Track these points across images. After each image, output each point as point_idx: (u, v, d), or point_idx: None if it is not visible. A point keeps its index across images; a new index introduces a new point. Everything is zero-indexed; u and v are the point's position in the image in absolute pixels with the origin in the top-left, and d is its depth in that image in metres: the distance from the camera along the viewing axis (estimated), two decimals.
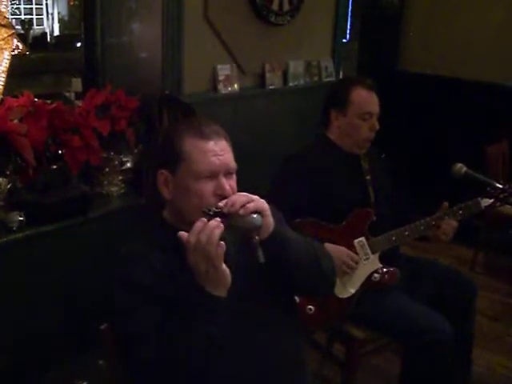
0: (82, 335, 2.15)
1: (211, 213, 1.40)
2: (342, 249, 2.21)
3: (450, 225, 2.29)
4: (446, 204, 2.32)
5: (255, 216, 1.38)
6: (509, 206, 2.44)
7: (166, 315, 1.40)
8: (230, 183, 1.49)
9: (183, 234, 1.36)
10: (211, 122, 1.58)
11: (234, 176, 1.53)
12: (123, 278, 1.48)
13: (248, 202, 1.39)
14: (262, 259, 1.35)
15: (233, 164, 1.52)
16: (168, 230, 1.50)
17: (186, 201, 1.50)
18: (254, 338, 1.50)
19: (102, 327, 1.60)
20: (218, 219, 1.36)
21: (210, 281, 1.35)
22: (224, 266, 1.35)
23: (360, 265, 2.24)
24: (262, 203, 1.42)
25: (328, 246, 2.17)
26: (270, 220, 1.43)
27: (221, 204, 1.39)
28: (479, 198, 2.30)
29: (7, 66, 2.37)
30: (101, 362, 1.65)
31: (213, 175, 1.47)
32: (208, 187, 1.47)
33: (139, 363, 1.43)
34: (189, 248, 1.34)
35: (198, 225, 1.34)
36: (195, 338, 1.36)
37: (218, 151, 1.49)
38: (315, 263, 1.57)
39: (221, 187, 1.47)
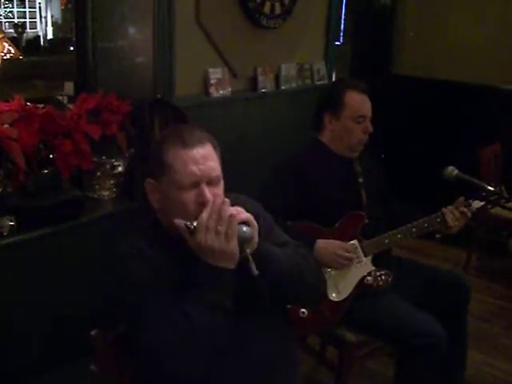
0: (74, 340, 2.14)
1: (192, 227, 1.40)
2: (335, 242, 2.20)
3: (456, 212, 2.27)
4: (461, 198, 2.31)
5: (245, 228, 1.38)
6: (501, 208, 2.43)
7: (178, 302, 1.41)
8: (213, 191, 1.47)
9: (179, 221, 1.42)
10: (196, 128, 1.55)
11: (220, 184, 1.51)
12: (126, 277, 1.49)
13: (238, 214, 1.40)
14: (255, 271, 1.35)
15: (216, 172, 1.49)
16: (162, 230, 1.53)
17: (171, 209, 1.49)
18: (244, 343, 1.51)
19: (93, 333, 1.59)
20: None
21: (224, 258, 1.38)
22: (236, 241, 1.38)
23: (353, 267, 2.24)
24: (252, 218, 1.42)
25: (320, 241, 2.17)
26: (257, 238, 1.43)
27: (205, 214, 1.39)
28: (470, 201, 2.31)
29: None
30: (92, 367, 1.64)
31: (195, 184, 1.46)
32: (190, 196, 1.46)
33: (157, 360, 1.42)
34: (200, 231, 1.37)
35: (204, 216, 1.38)
36: (209, 315, 1.39)
37: (200, 160, 1.46)
38: (298, 278, 1.55)
39: (201, 195, 1.45)
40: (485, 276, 3.90)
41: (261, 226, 1.60)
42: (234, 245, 1.37)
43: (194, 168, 1.46)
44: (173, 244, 1.45)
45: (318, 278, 1.66)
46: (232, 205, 1.57)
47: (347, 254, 2.20)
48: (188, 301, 1.40)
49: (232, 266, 1.39)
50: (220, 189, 1.51)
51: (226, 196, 1.62)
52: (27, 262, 2.29)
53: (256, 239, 1.43)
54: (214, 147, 1.53)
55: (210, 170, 1.48)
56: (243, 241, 1.38)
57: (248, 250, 1.38)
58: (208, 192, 1.45)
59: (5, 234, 2.21)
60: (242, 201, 1.66)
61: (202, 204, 1.43)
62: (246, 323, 1.51)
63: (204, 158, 1.47)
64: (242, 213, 1.41)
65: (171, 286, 1.44)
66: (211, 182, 1.48)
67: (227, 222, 1.36)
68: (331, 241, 2.20)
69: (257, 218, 1.61)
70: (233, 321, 1.43)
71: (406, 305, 2.23)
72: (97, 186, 2.66)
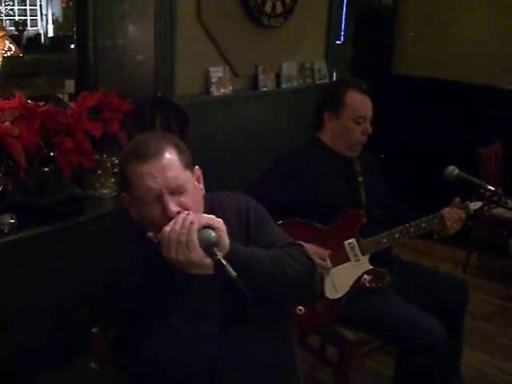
0: (75, 338, 2.14)
1: (156, 241, 1.39)
2: (309, 247, 2.18)
3: (456, 215, 2.28)
4: (457, 199, 2.33)
5: (209, 232, 1.35)
6: (501, 208, 2.44)
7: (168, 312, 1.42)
8: (179, 200, 1.43)
9: (151, 234, 1.40)
10: (152, 138, 1.50)
11: (188, 191, 1.46)
12: (116, 291, 1.52)
13: (198, 220, 1.36)
14: (233, 273, 1.30)
15: (177, 182, 1.43)
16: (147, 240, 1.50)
17: (145, 224, 1.48)
18: (241, 354, 1.50)
19: (94, 330, 1.60)
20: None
21: (193, 267, 1.35)
22: (199, 249, 1.33)
23: (350, 266, 2.24)
24: (216, 221, 1.38)
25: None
26: (226, 241, 1.37)
27: (168, 228, 1.35)
28: (468, 202, 2.31)
29: None
30: (93, 365, 1.65)
31: (157, 198, 1.42)
32: (155, 210, 1.43)
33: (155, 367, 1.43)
34: (163, 244, 1.35)
35: (165, 230, 1.35)
36: (194, 322, 1.40)
37: (156, 173, 1.42)
38: (284, 278, 1.48)
39: (164, 209, 1.41)
40: (485, 275, 3.90)
41: (251, 220, 1.59)
42: (197, 253, 1.32)
43: (151, 182, 1.41)
44: (157, 254, 1.40)
45: (311, 277, 1.57)
46: (223, 203, 1.58)
47: (321, 262, 2.17)
48: (172, 310, 1.40)
49: (208, 271, 1.36)
50: (187, 196, 1.45)
51: (216, 195, 1.62)
52: (28, 260, 2.29)
53: (225, 241, 1.37)
54: (179, 152, 1.48)
55: (169, 180, 1.42)
56: (208, 245, 1.33)
57: (220, 253, 1.33)
58: (172, 204, 1.41)
59: (5, 231, 2.22)
60: (234, 197, 1.65)
61: (168, 217, 1.39)
62: (239, 327, 1.50)
63: (161, 170, 1.42)
64: (202, 218, 1.37)
65: (157, 296, 1.44)
66: (174, 192, 1.43)
67: (187, 231, 1.33)
68: (308, 245, 2.18)
69: (247, 211, 1.60)
70: (223, 325, 1.43)
71: (406, 304, 2.23)
72: (97, 184, 2.66)
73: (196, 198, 1.49)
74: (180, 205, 1.42)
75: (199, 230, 1.34)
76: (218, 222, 1.37)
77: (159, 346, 1.40)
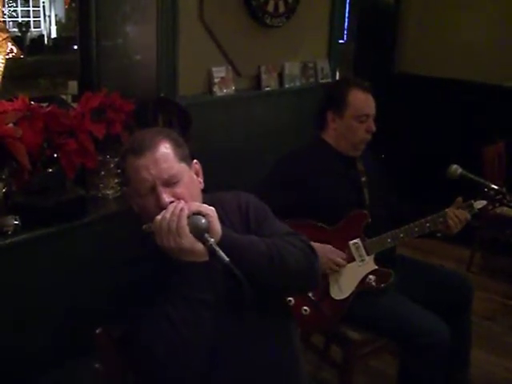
0: (79, 339, 2.14)
1: (151, 230, 1.41)
2: (327, 247, 2.20)
3: (460, 215, 2.28)
4: (459, 199, 2.32)
5: (199, 217, 1.37)
6: (505, 207, 2.43)
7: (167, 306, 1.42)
8: (174, 192, 1.47)
9: (145, 226, 1.44)
10: (148, 132, 1.56)
11: (182, 182, 1.49)
12: (115, 288, 1.54)
13: (188, 207, 1.39)
14: (225, 259, 1.32)
15: (170, 173, 1.48)
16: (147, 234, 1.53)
17: (143, 216, 1.51)
18: (243, 352, 1.50)
19: (98, 331, 1.60)
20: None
21: (186, 253, 1.37)
22: (190, 235, 1.36)
23: (355, 266, 2.24)
24: (206, 208, 1.40)
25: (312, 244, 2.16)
26: (217, 227, 1.40)
27: (159, 217, 1.38)
28: (472, 201, 2.31)
29: (1, 69, 2.36)
30: (96, 365, 1.65)
31: (152, 189, 1.47)
32: (150, 202, 1.47)
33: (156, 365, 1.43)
34: (156, 232, 1.38)
35: (157, 218, 1.39)
36: (189, 311, 1.39)
37: (150, 165, 1.47)
38: (281, 264, 1.48)
39: (157, 199, 1.46)
40: (488, 274, 3.90)
41: (250, 215, 1.61)
42: (188, 239, 1.35)
43: (145, 174, 1.46)
44: (154, 247, 1.43)
45: (312, 264, 1.57)
46: (224, 201, 1.60)
47: (340, 260, 2.19)
48: (169, 303, 1.41)
49: (202, 258, 1.38)
50: (182, 186, 1.49)
51: (216, 193, 1.64)
52: (32, 261, 2.29)
53: (216, 227, 1.39)
54: (174, 145, 1.52)
55: (163, 172, 1.47)
56: (199, 232, 1.36)
57: (212, 240, 1.35)
58: (165, 195, 1.45)
59: (9, 233, 2.22)
60: (234, 195, 1.67)
61: (161, 208, 1.42)
62: (237, 323, 1.50)
63: (154, 161, 1.47)
64: (191, 205, 1.40)
65: (156, 290, 1.45)
66: (168, 184, 1.47)
67: (177, 218, 1.36)
68: (324, 245, 2.19)
69: (247, 207, 1.62)
70: (220, 319, 1.43)
71: (410, 303, 2.23)
72: (101, 185, 2.66)
73: (192, 190, 1.52)
74: (174, 195, 1.46)
75: (189, 217, 1.37)
76: (208, 209, 1.40)
77: (157, 341, 1.40)
